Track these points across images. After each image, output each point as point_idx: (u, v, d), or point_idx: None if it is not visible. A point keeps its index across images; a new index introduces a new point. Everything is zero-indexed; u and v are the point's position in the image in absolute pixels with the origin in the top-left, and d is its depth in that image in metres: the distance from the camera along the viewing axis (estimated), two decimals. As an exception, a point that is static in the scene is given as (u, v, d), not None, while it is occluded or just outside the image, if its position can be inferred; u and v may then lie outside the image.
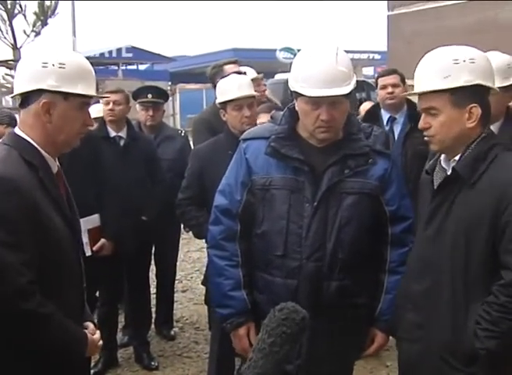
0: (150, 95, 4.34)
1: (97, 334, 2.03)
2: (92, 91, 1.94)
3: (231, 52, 28.25)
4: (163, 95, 4.55)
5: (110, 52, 25.80)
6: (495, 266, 1.90)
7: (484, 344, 1.89)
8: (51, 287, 1.81)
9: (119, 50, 26.45)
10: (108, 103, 3.91)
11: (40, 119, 1.85)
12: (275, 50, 27.65)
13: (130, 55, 27.49)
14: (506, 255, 1.87)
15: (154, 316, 4.68)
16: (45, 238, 1.78)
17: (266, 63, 26.38)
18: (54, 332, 1.81)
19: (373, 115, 4.00)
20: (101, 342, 2.05)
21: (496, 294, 1.88)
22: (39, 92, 1.84)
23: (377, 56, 29.94)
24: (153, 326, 4.61)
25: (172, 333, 4.66)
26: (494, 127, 2.69)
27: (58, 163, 1.97)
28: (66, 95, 1.86)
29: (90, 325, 2.04)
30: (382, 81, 4.00)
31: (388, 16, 6.36)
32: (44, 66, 1.84)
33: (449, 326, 1.99)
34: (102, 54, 25.76)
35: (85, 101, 1.93)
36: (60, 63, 1.85)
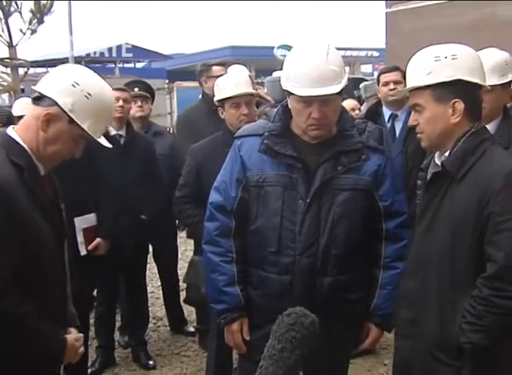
0: (136, 89, 4.36)
1: (80, 340, 2.02)
2: (97, 134, 1.94)
3: (228, 50, 28.20)
4: (149, 90, 4.55)
5: (109, 50, 25.74)
6: (481, 260, 1.89)
7: (468, 338, 1.88)
8: (30, 288, 1.80)
9: (116, 47, 26.36)
10: (117, 100, 3.88)
11: (37, 123, 1.86)
12: (272, 47, 27.59)
13: (128, 53, 27.40)
14: (490, 246, 1.86)
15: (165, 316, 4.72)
16: (26, 239, 1.78)
17: (264, 61, 26.33)
18: (27, 333, 1.80)
19: (375, 112, 3.99)
20: (82, 349, 2.04)
21: (480, 287, 1.87)
22: (53, 101, 1.86)
23: (375, 53, 29.87)
24: (154, 327, 4.61)
25: (192, 329, 4.62)
26: (492, 125, 2.67)
27: None
28: (72, 121, 1.88)
29: (74, 331, 2.04)
30: (384, 78, 3.98)
31: (386, 13, 6.35)
32: (73, 85, 1.87)
33: (437, 322, 1.99)
34: (102, 53, 25.72)
35: (85, 136, 1.93)
36: (88, 93, 1.88)
